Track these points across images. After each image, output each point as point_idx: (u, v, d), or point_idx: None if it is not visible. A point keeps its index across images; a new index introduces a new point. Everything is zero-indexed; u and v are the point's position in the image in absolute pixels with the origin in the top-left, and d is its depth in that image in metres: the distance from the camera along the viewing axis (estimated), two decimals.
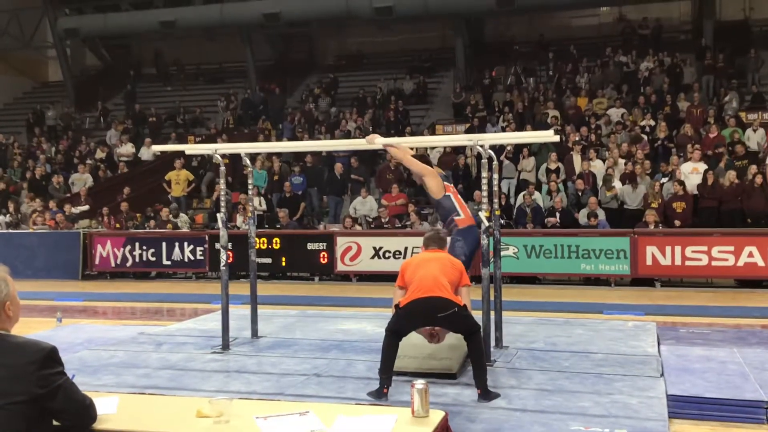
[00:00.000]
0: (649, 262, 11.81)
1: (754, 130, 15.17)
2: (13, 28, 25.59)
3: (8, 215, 16.53)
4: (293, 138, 18.26)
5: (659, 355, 6.22)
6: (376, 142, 6.71)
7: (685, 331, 7.98)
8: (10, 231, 15.86)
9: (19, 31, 25.73)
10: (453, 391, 5.24)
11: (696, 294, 11.33)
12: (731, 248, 11.45)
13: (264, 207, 14.89)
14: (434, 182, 6.33)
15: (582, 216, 13.01)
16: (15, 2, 25.12)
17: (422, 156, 6.77)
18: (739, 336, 7.83)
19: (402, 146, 6.72)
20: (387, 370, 5.08)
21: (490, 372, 5.34)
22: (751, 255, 11.35)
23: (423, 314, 5.15)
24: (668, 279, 12.22)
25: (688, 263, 11.69)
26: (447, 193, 6.32)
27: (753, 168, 12.90)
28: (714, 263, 11.55)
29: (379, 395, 5.01)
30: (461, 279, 5.37)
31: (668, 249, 11.72)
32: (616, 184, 13.46)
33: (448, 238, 6.06)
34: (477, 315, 5.67)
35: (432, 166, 6.57)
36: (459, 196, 6.46)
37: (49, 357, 2.63)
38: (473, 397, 5.06)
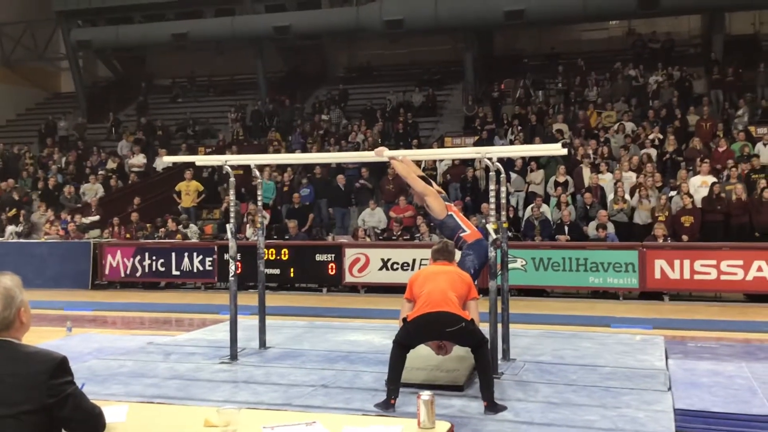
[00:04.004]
0: (657, 275, 11.78)
1: (765, 144, 15.12)
2: (26, 39, 25.86)
3: (20, 225, 16.64)
4: (303, 150, 18.34)
5: (667, 369, 6.20)
6: (384, 154, 6.75)
7: (693, 345, 7.97)
8: (22, 241, 15.98)
9: (33, 43, 25.98)
10: (459, 403, 5.25)
11: (704, 308, 11.28)
12: (740, 262, 11.41)
13: (266, 219, 14.90)
14: (436, 203, 6.33)
15: (591, 229, 13.00)
16: (28, 14, 25.37)
17: (424, 177, 6.74)
18: (747, 350, 7.80)
19: (408, 161, 6.73)
20: (394, 381, 5.10)
21: (497, 384, 5.35)
22: (760, 269, 11.30)
23: (431, 329, 5.17)
24: (677, 293, 12.18)
25: (696, 277, 11.65)
26: (449, 213, 6.32)
27: (762, 182, 12.87)
28: (723, 277, 11.50)
29: (387, 406, 5.03)
30: (469, 292, 5.36)
31: (677, 263, 11.69)
32: (626, 197, 13.44)
33: (458, 252, 6.08)
34: (485, 327, 5.69)
35: (432, 186, 6.56)
36: (461, 214, 6.51)
37: (60, 367, 2.66)
38: (480, 409, 5.07)
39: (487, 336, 5.93)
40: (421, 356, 5.67)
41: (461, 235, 6.22)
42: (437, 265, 5.54)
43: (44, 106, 27.10)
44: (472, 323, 5.17)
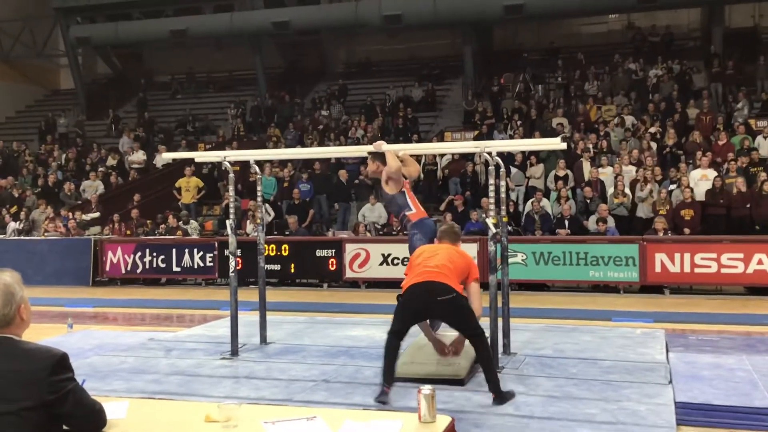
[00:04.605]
0: (658, 269, 11.78)
1: (765, 137, 15.11)
2: (25, 36, 25.84)
3: (19, 222, 16.64)
4: (300, 145, 18.31)
5: (668, 362, 6.20)
6: (383, 149, 6.74)
7: (694, 339, 7.96)
8: (22, 238, 15.98)
9: (32, 40, 25.98)
10: (461, 397, 5.26)
11: (705, 301, 11.29)
12: (740, 255, 11.40)
13: (269, 215, 14.92)
14: (397, 180, 6.34)
15: (591, 223, 13.01)
16: (27, 11, 25.34)
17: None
18: (748, 343, 7.80)
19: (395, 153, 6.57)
20: (388, 371, 5.13)
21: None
22: (760, 262, 11.30)
23: (421, 299, 5.13)
24: (677, 286, 12.17)
25: (697, 270, 11.65)
26: (402, 190, 6.35)
27: (762, 175, 12.86)
28: (723, 270, 11.50)
29: (381, 394, 5.08)
30: (470, 271, 5.33)
31: (677, 256, 11.69)
32: (626, 191, 13.45)
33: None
34: (485, 322, 5.69)
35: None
36: (412, 192, 6.51)
37: (60, 363, 2.66)
38: (481, 403, 5.07)
39: (487, 331, 5.95)
40: (423, 350, 5.68)
41: (406, 213, 6.29)
42: (440, 244, 5.58)
43: (43, 103, 27.10)
44: (465, 299, 5.15)
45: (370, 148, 6.61)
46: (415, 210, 6.32)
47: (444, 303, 5.06)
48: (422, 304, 5.16)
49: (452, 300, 5.05)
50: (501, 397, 5.05)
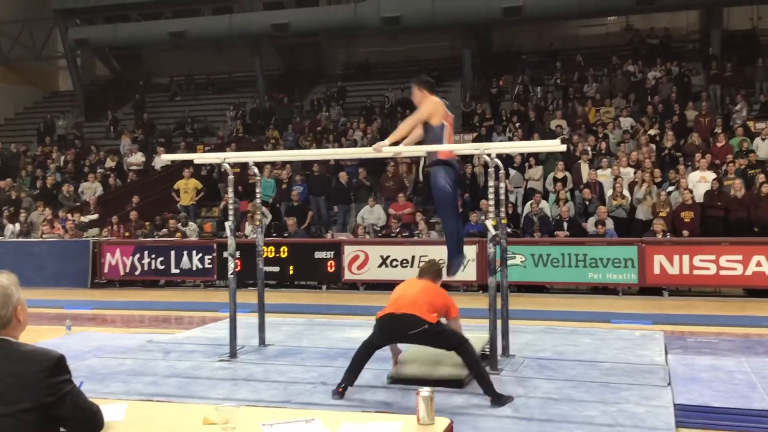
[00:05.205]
0: (656, 271, 11.78)
1: (763, 139, 15.12)
2: (24, 38, 25.83)
3: (18, 224, 16.63)
4: (296, 147, 18.31)
5: (666, 364, 6.21)
6: (383, 150, 6.72)
7: (693, 341, 7.97)
8: (20, 240, 15.96)
9: (31, 42, 25.97)
10: (460, 399, 5.25)
11: (704, 303, 11.29)
12: (739, 257, 11.41)
13: (267, 217, 14.90)
14: (438, 110, 6.07)
15: (590, 225, 13.01)
16: (26, 13, 25.34)
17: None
18: (747, 345, 7.82)
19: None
20: (350, 372, 5.30)
21: (497, 381, 5.35)
22: (759, 264, 11.31)
23: (393, 331, 5.29)
24: (676, 288, 12.19)
25: (696, 272, 11.65)
26: (443, 123, 6.09)
27: (761, 177, 12.87)
28: (722, 272, 11.51)
29: (334, 393, 5.25)
30: (447, 309, 5.39)
31: (676, 258, 11.70)
32: (625, 193, 13.45)
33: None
34: (484, 324, 5.68)
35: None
36: (451, 129, 6.26)
37: (58, 365, 2.65)
38: (480, 405, 5.07)
39: (487, 333, 5.95)
40: (421, 351, 5.68)
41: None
42: (419, 280, 5.60)
43: (42, 105, 27.08)
44: (439, 325, 5.20)
45: (370, 150, 6.57)
46: (448, 150, 6.08)
47: (414, 336, 5.20)
48: (394, 335, 5.35)
49: (423, 332, 5.13)
50: (498, 398, 5.06)
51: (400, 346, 5.71)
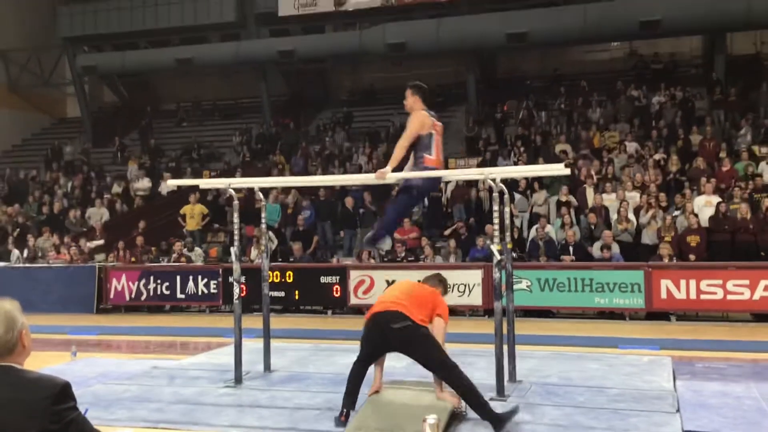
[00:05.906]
0: (663, 295, 11.72)
1: None
2: (32, 65, 26.13)
3: (25, 249, 16.68)
4: (304, 172, 18.39)
5: (675, 390, 6.16)
6: (387, 177, 6.73)
7: (701, 366, 7.91)
8: (27, 265, 16.00)
9: (39, 69, 26.28)
10: (464, 429, 5.20)
11: (712, 328, 11.21)
12: (746, 282, 11.34)
13: (273, 242, 14.91)
14: (425, 122, 6.23)
15: (595, 249, 12.97)
16: (34, 40, 25.64)
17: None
18: (755, 371, 7.75)
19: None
20: (348, 396, 5.23)
21: (503, 407, 5.30)
22: (766, 289, 11.23)
23: (378, 328, 5.17)
24: (683, 313, 12.12)
25: (703, 297, 11.58)
26: (431, 132, 6.21)
27: (767, 201, 12.84)
28: (729, 297, 11.43)
29: (337, 421, 5.16)
30: (435, 306, 5.30)
31: (683, 282, 11.63)
32: (630, 217, 13.44)
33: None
34: (490, 348, 5.63)
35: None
36: (440, 138, 6.35)
37: (63, 392, 2.65)
38: None
39: (493, 358, 5.91)
40: (378, 411, 5.35)
41: (424, 155, 6.19)
42: (417, 282, 5.65)
43: (50, 131, 27.31)
44: (426, 329, 5.10)
45: (373, 176, 6.61)
46: (433, 156, 6.20)
47: (397, 331, 5.02)
48: (378, 333, 5.18)
49: (407, 328, 5.00)
50: (499, 420, 4.98)
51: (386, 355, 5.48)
